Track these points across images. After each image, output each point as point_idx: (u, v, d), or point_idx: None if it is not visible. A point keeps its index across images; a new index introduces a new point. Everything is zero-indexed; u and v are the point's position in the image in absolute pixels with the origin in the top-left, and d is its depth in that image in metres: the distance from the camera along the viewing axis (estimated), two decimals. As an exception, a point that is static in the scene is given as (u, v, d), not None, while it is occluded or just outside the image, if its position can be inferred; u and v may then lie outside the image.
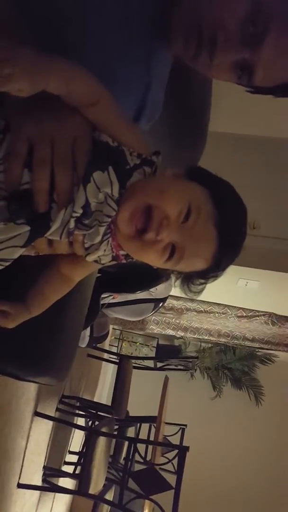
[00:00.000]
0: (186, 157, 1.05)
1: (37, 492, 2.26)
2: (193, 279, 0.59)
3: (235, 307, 3.21)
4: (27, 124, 0.49)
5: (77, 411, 2.68)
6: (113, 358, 3.45)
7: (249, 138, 2.35)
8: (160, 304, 2.39)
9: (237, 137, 2.34)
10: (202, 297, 3.30)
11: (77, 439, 3.03)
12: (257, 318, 3.16)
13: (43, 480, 2.25)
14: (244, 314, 3.20)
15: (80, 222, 0.52)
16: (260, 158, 2.35)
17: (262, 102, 0.71)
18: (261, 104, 0.63)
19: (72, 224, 0.52)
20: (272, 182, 2.32)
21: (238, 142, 2.34)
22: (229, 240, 0.55)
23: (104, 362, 3.77)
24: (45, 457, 2.32)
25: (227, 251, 0.56)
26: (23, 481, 1.97)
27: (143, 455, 2.79)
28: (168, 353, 4.02)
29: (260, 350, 4.16)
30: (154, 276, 1.88)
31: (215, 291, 2.95)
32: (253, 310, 3.17)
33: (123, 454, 2.61)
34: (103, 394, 4.45)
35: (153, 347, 4.47)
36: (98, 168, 0.51)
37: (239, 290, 2.95)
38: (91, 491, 1.89)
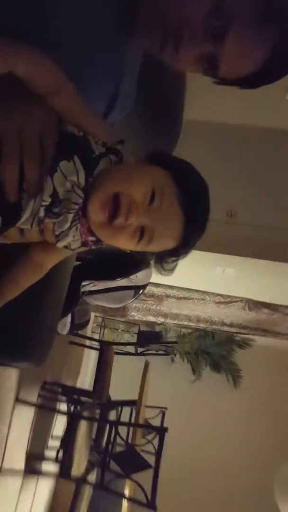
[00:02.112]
0: (162, 146, 1.07)
1: (19, 479, 2.29)
2: (165, 258, 0.62)
3: (213, 293, 3.28)
4: None
5: (59, 397, 2.71)
6: (95, 344, 3.48)
7: (224, 126, 2.36)
8: (140, 291, 2.42)
9: (213, 125, 2.35)
10: (182, 284, 3.36)
11: (59, 425, 3.07)
12: (234, 304, 3.25)
13: (26, 466, 2.28)
14: (222, 300, 3.28)
15: (49, 211, 0.54)
16: (235, 147, 2.36)
17: (238, 90, 0.73)
18: (237, 92, 0.65)
19: (42, 212, 0.54)
20: (247, 170, 2.35)
21: (214, 130, 2.35)
22: (194, 217, 0.58)
23: (86, 349, 3.80)
24: (27, 443, 2.35)
25: (194, 227, 0.59)
26: (5, 467, 1.99)
27: (125, 438, 2.86)
28: (149, 339, 4.08)
29: (238, 334, 4.28)
30: (134, 264, 1.91)
31: (194, 278, 3.00)
32: (231, 296, 3.25)
33: (105, 438, 2.67)
34: (86, 380, 4.49)
35: (135, 333, 4.52)
36: (64, 158, 0.53)
37: (217, 277, 3.01)
38: (74, 474, 1.94)
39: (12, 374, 2.01)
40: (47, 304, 0.86)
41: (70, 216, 0.55)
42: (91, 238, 0.60)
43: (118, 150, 0.58)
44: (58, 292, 0.93)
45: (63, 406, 2.89)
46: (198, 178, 0.61)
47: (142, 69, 0.75)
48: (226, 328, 3.48)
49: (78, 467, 1.99)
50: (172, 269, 0.64)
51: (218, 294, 3.26)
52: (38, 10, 0.58)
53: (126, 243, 0.57)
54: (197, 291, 3.29)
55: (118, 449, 2.68)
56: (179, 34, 0.58)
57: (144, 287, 2.41)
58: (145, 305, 3.49)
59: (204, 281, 3.13)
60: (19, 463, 2.23)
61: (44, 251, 0.63)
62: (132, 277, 2.15)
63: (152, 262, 0.64)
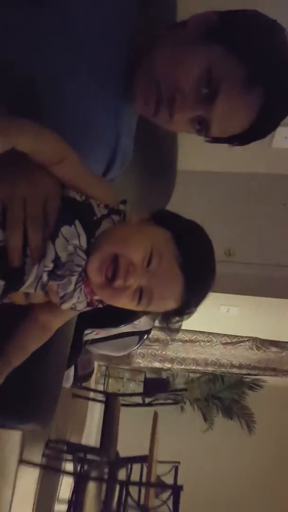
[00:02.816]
0: (158, 196, 1.12)
1: None
2: (169, 318, 0.62)
3: (219, 334, 3.22)
4: (0, 186, 0.53)
5: (64, 456, 2.57)
6: (100, 396, 3.35)
7: (216, 174, 2.48)
8: (145, 337, 2.36)
9: (206, 174, 2.47)
10: (186, 326, 3.31)
11: (65, 486, 2.88)
12: (242, 344, 3.18)
13: (31, 535, 2.11)
14: (229, 341, 3.21)
15: (53, 273, 0.55)
16: (229, 192, 2.48)
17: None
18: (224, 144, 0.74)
19: (45, 277, 0.55)
20: (241, 211, 2.44)
21: (207, 178, 2.47)
22: (195, 280, 0.57)
23: (90, 402, 3.66)
24: (33, 508, 2.19)
25: (194, 290, 0.58)
26: (9, 538, 1.85)
27: (136, 497, 2.66)
28: (156, 387, 3.94)
29: (248, 376, 4.15)
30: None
31: (198, 319, 2.95)
32: (237, 336, 3.19)
33: (115, 499, 2.49)
34: (91, 435, 4.27)
35: (141, 381, 4.36)
36: (66, 223, 0.54)
37: (222, 317, 2.97)
38: None
39: (15, 434, 1.92)
40: (52, 362, 0.84)
41: (74, 278, 0.56)
42: (96, 297, 0.60)
43: (120, 210, 0.60)
44: (62, 347, 0.91)
45: (68, 465, 2.73)
46: (201, 239, 0.61)
47: (136, 129, 0.80)
48: (235, 370, 3.38)
49: (87, 535, 1.84)
50: (178, 329, 0.64)
51: (224, 335, 3.20)
52: (40, 83, 0.61)
53: (126, 304, 0.57)
54: (202, 332, 3.23)
55: (130, 511, 2.49)
56: (172, 101, 0.63)
57: (148, 332, 2.36)
58: (150, 351, 3.41)
59: (209, 322, 3.09)
60: (24, 534, 2.07)
61: (50, 313, 0.62)
62: (135, 322, 2.12)
63: (158, 322, 0.64)
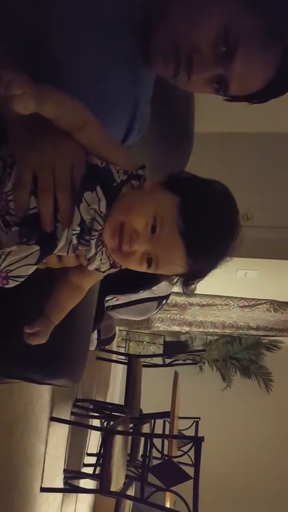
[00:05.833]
0: (176, 160, 1.11)
1: (60, 495, 2.31)
2: (182, 281, 0.64)
3: (236, 297, 3.26)
4: (30, 156, 0.56)
5: (91, 413, 2.73)
6: (122, 358, 3.49)
7: (234, 135, 2.43)
8: (164, 302, 2.43)
9: (224, 135, 2.42)
10: (204, 290, 3.35)
11: (93, 441, 3.08)
12: (259, 306, 3.21)
13: (65, 483, 2.30)
14: (246, 304, 3.25)
15: (82, 238, 0.59)
16: (246, 153, 2.42)
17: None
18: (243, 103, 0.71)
19: (74, 240, 0.59)
20: (260, 174, 2.38)
21: (225, 139, 2.43)
22: (196, 246, 0.57)
23: (113, 363, 3.82)
24: (65, 461, 2.37)
25: (198, 256, 0.58)
26: (45, 485, 2.02)
27: (160, 450, 2.84)
28: (176, 349, 4.07)
29: (265, 337, 4.22)
30: (155, 275, 1.92)
31: (215, 284, 3.00)
32: (255, 299, 3.22)
33: (141, 451, 2.67)
34: (115, 394, 4.50)
35: (160, 344, 4.52)
36: (88, 189, 0.57)
37: (239, 280, 3.00)
38: (113, 489, 1.94)
39: (45, 393, 2.04)
40: (79, 322, 0.89)
41: (93, 242, 0.59)
42: None
43: (140, 175, 0.61)
44: (88, 309, 0.96)
45: (95, 422, 2.90)
46: (212, 203, 0.59)
47: (153, 91, 0.79)
48: (252, 332, 3.44)
49: (116, 482, 1.99)
50: (192, 291, 0.65)
51: (241, 298, 3.24)
52: (56, 48, 0.62)
53: (137, 267, 0.60)
54: (220, 296, 3.28)
55: (155, 462, 2.66)
56: (190, 62, 0.63)
57: (167, 297, 2.41)
58: (168, 315, 3.49)
59: (226, 286, 3.13)
60: (58, 481, 2.25)
61: (81, 274, 0.66)
62: (154, 288, 2.17)
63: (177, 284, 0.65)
